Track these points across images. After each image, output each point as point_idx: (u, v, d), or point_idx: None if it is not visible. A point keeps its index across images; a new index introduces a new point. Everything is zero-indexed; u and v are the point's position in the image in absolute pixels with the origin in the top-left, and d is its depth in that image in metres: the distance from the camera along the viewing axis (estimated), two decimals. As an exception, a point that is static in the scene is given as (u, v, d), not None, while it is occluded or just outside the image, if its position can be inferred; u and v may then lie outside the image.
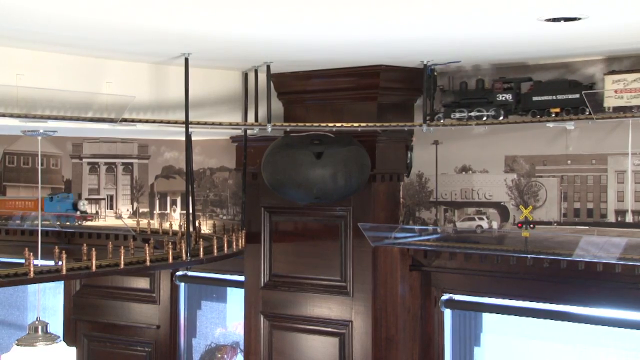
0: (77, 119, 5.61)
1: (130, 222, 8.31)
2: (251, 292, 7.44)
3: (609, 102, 5.55)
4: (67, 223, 8.17)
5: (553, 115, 5.78)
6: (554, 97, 5.79)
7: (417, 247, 6.78)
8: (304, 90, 6.86)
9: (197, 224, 7.01)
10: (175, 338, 8.56)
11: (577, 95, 5.69)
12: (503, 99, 5.93)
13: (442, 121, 6.12)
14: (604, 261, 5.79)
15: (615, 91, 5.54)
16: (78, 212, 8.20)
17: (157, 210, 8.52)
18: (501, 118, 5.94)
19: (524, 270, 6.27)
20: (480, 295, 6.79)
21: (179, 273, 8.44)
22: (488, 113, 5.96)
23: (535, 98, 5.86)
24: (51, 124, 5.60)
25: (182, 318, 8.61)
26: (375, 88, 6.48)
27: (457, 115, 6.02)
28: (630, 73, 5.52)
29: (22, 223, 8.48)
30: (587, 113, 5.62)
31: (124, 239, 7.77)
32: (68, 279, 7.88)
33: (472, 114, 6.01)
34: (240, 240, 6.67)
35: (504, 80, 5.98)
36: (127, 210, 8.67)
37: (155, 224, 8.15)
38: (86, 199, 8.48)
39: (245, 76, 6.50)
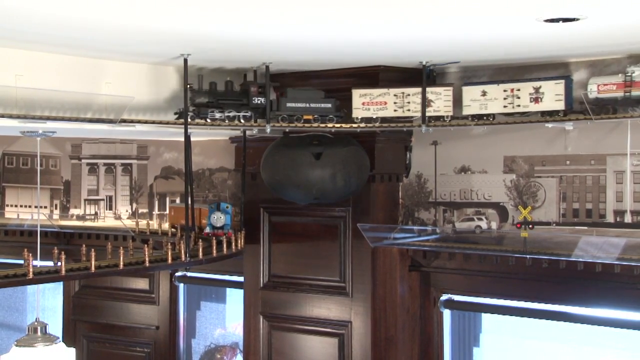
0: (76, 119, 5.61)
1: (130, 223, 8.31)
2: (250, 292, 7.44)
3: (357, 113, 6.22)
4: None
5: (302, 121, 6.21)
6: (307, 105, 6.18)
7: (416, 248, 6.79)
8: (303, 91, 6.86)
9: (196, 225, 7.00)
10: (174, 339, 8.56)
11: (329, 105, 6.22)
12: (258, 102, 6.11)
13: (195, 120, 6.05)
14: (602, 261, 5.80)
15: (363, 103, 6.18)
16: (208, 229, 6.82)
17: (156, 211, 8.52)
18: (252, 121, 6.14)
19: (523, 271, 6.28)
20: (479, 295, 6.79)
21: (178, 274, 8.44)
22: (242, 114, 6.08)
23: (289, 104, 6.16)
24: (50, 125, 5.60)
25: (182, 319, 8.61)
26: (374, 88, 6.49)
27: (217, 115, 6.05)
28: (375, 89, 6.19)
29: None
30: (335, 121, 6.21)
31: (123, 240, 7.78)
32: (67, 280, 7.88)
33: (231, 114, 6.09)
34: (239, 241, 6.68)
35: (259, 84, 6.15)
36: (126, 210, 8.67)
37: (154, 224, 8.15)
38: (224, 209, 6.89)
39: (244, 77, 6.50)
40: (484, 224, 6.62)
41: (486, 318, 6.99)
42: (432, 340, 7.01)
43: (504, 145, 6.49)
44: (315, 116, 6.21)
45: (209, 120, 6.05)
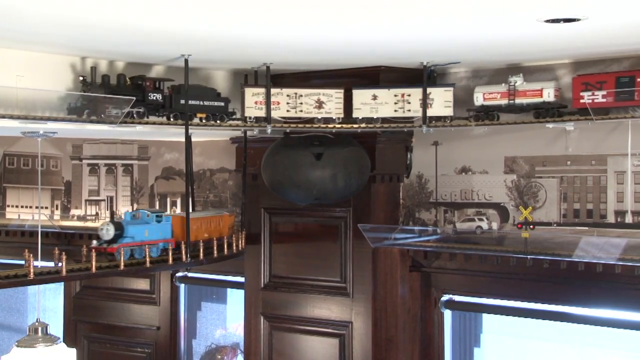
0: (77, 120, 5.61)
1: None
2: (251, 293, 7.44)
3: (250, 112, 6.21)
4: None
5: (199, 119, 6.11)
6: (201, 103, 6.09)
7: (417, 248, 6.79)
8: (303, 92, 6.86)
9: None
10: (175, 339, 8.56)
11: (222, 104, 6.21)
12: (154, 98, 5.90)
13: (91, 117, 5.60)
14: (603, 262, 5.80)
15: (255, 102, 6.20)
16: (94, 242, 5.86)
17: (157, 212, 8.51)
18: (147, 117, 5.88)
19: (523, 271, 6.28)
20: (480, 296, 6.79)
21: (179, 274, 8.44)
22: (135, 110, 5.76)
23: (182, 101, 5.98)
24: (51, 126, 5.60)
25: (182, 319, 8.61)
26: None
27: (114, 112, 5.68)
28: (271, 88, 6.21)
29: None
30: (226, 120, 6.20)
31: (124, 240, 7.76)
32: (68, 280, 7.86)
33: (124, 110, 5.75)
34: (240, 241, 6.68)
35: (153, 79, 5.94)
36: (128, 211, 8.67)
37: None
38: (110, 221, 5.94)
39: (245, 77, 6.50)
40: (484, 225, 6.62)
41: (487, 318, 6.99)
42: (433, 341, 7.00)
43: (504, 145, 6.49)
44: (208, 114, 6.13)
45: (103, 117, 5.67)
